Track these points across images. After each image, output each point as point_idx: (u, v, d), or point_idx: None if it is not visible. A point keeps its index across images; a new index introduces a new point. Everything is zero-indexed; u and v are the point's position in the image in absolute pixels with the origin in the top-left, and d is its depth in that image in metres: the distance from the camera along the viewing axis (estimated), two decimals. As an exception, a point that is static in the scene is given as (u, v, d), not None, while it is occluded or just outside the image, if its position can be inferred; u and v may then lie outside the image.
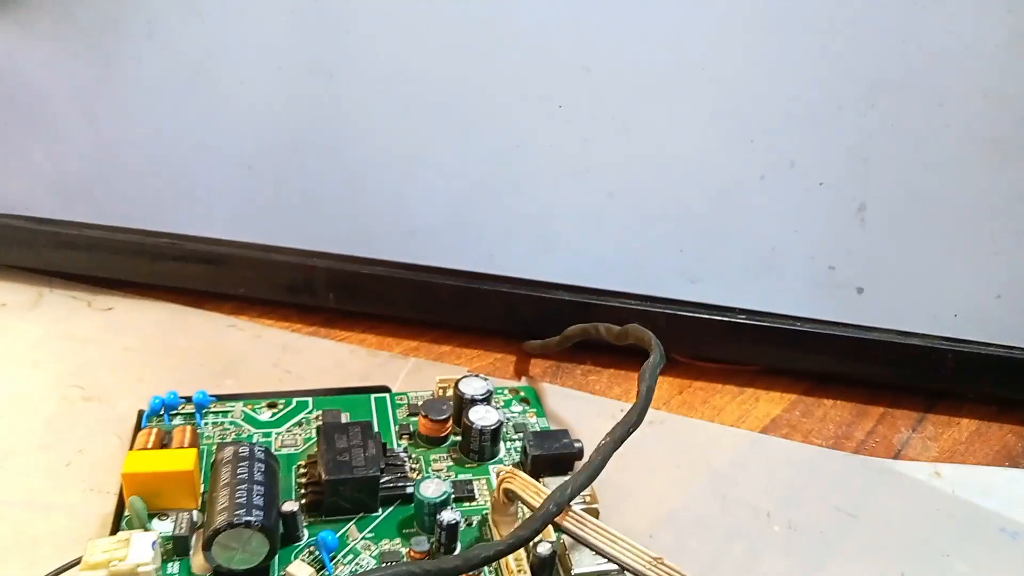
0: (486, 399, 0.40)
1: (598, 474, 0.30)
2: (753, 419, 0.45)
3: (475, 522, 0.35)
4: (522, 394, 0.43)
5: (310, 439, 0.39)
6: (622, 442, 0.32)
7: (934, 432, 0.45)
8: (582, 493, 0.35)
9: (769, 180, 0.45)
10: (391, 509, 0.35)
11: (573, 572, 0.32)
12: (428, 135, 0.47)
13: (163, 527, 0.33)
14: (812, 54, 0.42)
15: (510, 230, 0.48)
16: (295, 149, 0.47)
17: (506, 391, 0.43)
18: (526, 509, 0.32)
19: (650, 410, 0.44)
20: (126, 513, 0.33)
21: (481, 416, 0.38)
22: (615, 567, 0.32)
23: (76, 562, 0.30)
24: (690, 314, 0.47)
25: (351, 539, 0.34)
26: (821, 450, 0.43)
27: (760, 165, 0.45)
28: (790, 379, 0.48)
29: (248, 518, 0.31)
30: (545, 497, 0.29)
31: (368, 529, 0.34)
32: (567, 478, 0.30)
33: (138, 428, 0.38)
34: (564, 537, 0.33)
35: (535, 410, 0.42)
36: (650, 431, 0.43)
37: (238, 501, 0.31)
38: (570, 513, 0.29)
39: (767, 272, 0.47)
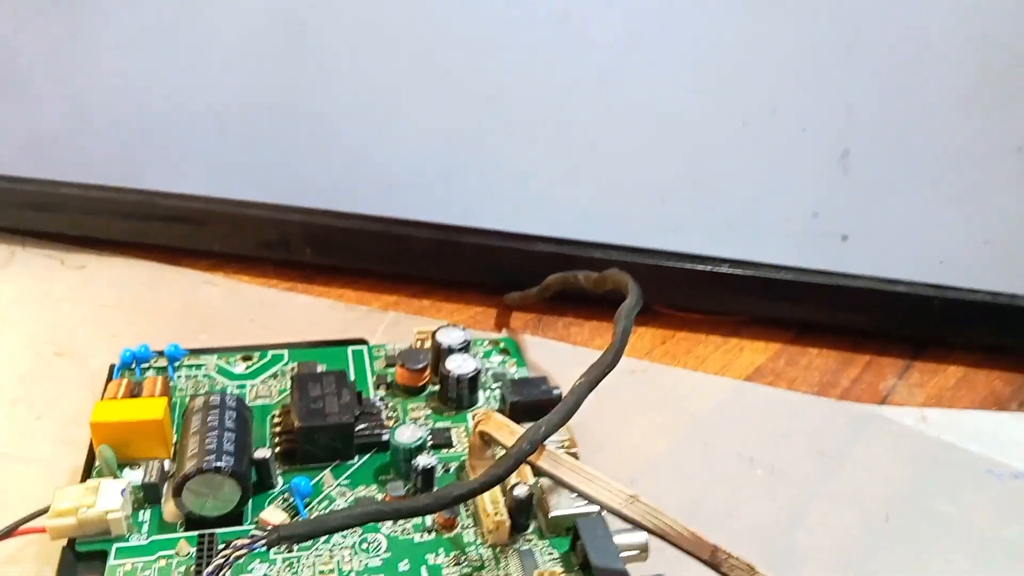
0: (464, 348, 0.39)
1: (572, 413, 0.30)
2: (737, 368, 0.44)
3: (453, 468, 0.35)
4: (502, 345, 0.43)
5: (284, 391, 0.38)
6: (597, 383, 0.31)
7: (920, 379, 0.45)
8: (561, 439, 0.35)
9: (751, 127, 0.44)
10: (367, 457, 0.35)
11: (551, 514, 0.31)
12: (404, 86, 0.46)
13: (133, 476, 0.32)
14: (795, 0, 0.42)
15: (489, 182, 0.47)
16: (268, 102, 0.47)
17: (486, 342, 0.43)
18: (503, 452, 0.31)
19: (632, 360, 0.44)
20: (96, 463, 0.33)
21: (459, 364, 0.38)
22: (593, 509, 0.31)
23: (45, 510, 0.30)
24: (672, 264, 0.46)
25: (326, 486, 0.33)
26: (805, 396, 0.43)
27: (742, 112, 0.44)
28: (775, 328, 0.48)
29: (218, 463, 0.30)
30: (519, 437, 0.29)
31: (344, 476, 0.34)
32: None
33: (109, 381, 0.37)
34: (542, 481, 0.33)
35: (515, 360, 0.42)
36: (631, 380, 0.43)
37: (208, 447, 0.31)
38: (545, 452, 0.29)
39: (750, 221, 0.46)
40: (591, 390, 0.31)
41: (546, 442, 0.29)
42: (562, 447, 0.34)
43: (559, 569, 0.29)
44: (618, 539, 0.30)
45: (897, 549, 0.34)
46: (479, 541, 0.31)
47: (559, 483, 0.29)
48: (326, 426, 0.34)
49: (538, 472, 0.30)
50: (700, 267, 0.46)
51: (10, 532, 0.29)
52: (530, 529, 0.32)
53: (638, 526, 0.28)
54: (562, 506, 0.32)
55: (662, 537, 0.28)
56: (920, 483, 0.37)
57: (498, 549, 0.31)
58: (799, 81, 0.43)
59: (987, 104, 0.42)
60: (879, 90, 0.43)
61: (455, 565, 0.30)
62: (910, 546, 0.34)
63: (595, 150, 0.46)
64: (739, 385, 0.43)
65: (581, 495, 0.28)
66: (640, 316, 0.47)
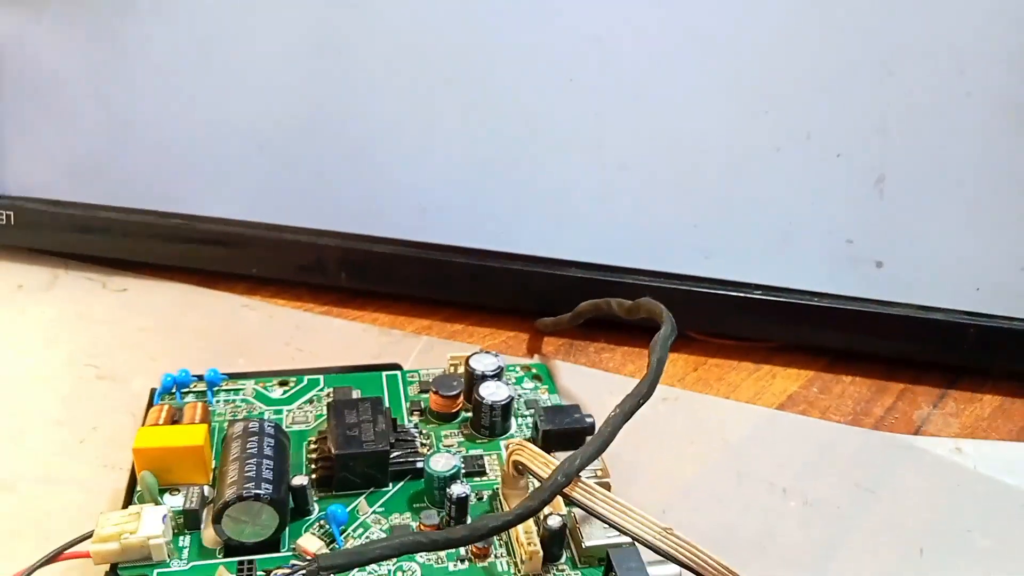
0: (497, 375, 0.39)
1: (607, 445, 0.30)
2: (769, 396, 0.44)
3: (486, 496, 0.35)
4: (534, 371, 0.43)
5: (321, 416, 0.38)
6: (632, 413, 0.31)
7: (956, 408, 0.44)
8: (593, 468, 0.35)
9: (785, 152, 0.44)
10: (401, 484, 0.35)
11: (584, 544, 0.32)
12: (438, 111, 0.46)
13: (174, 502, 0.33)
14: (828, 21, 0.42)
15: (521, 207, 0.48)
16: (305, 127, 0.47)
17: (518, 368, 0.43)
18: (536, 482, 0.31)
19: (664, 387, 0.44)
20: (138, 488, 0.33)
21: (492, 391, 0.38)
22: (626, 539, 0.32)
23: (88, 535, 0.31)
24: (705, 290, 0.46)
25: (361, 513, 0.33)
26: (839, 426, 0.42)
27: (775, 137, 0.44)
28: (808, 355, 0.47)
29: (257, 491, 0.31)
30: (554, 468, 0.29)
31: (378, 504, 0.34)
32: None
33: (150, 405, 0.38)
34: (575, 511, 0.33)
35: (547, 387, 0.42)
36: (664, 408, 0.43)
37: (247, 475, 0.31)
38: (579, 484, 0.29)
39: (783, 246, 0.46)
40: (626, 421, 0.31)
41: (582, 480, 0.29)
42: (594, 476, 0.34)
43: (592, 601, 0.29)
44: (651, 571, 0.30)
45: (934, 583, 0.34)
46: (512, 571, 0.31)
47: (593, 515, 0.29)
48: (362, 453, 0.34)
49: (572, 503, 0.30)
50: (733, 293, 0.46)
51: (55, 556, 0.30)
52: (562, 559, 0.32)
53: (671, 559, 0.28)
54: (595, 536, 0.32)
55: (695, 572, 0.28)
56: (955, 515, 0.37)
57: (531, 579, 0.31)
58: (834, 105, 0.43)
59: (1025, 128, 0.42)
60: (915, 113, 0.43)
61: (489, 595, 0.30)
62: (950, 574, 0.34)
63: (627, 175, 0.46)
64: (772, 414, 0.43)
65: (615, 527, 0.28)
66: (673, 341, 0.47)
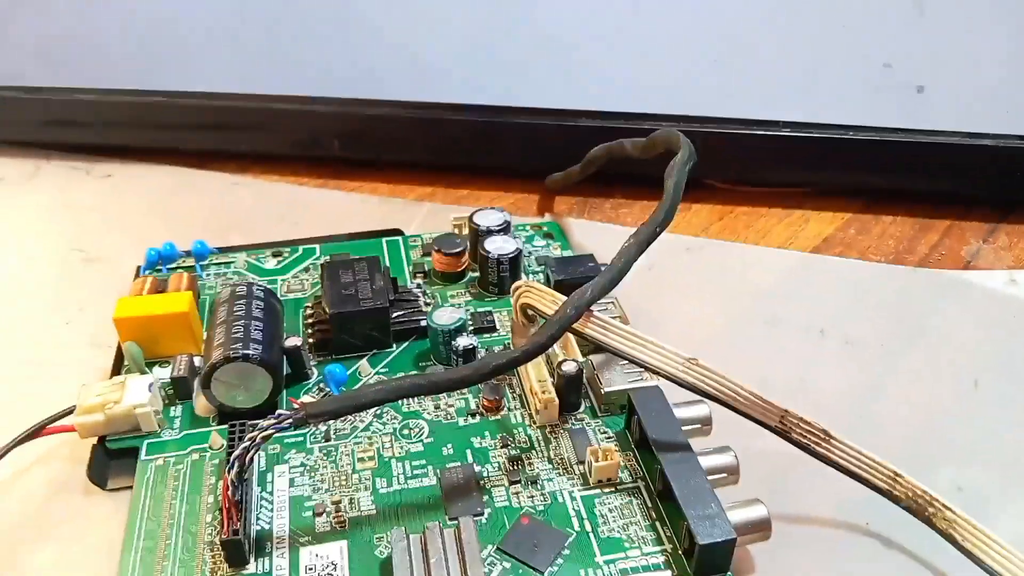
0: (503, 229, 0.36)
1: (621, 277, 0.27)
2: (803, 240, 0.41)
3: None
4: (545, 229, 0.40)
5: (317, 284, 0.36)
6: (649, 244, 0.28)
7: (1008, 241, 0.41)
8: (613, 316, 0.32)
9: (812, -31, 0.40)
10: (406, 344, 0.33)
11: (604, 391, 0.29)
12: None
13: (163, 373, 0.31)
14: None
15: (527, 57, 0.43)
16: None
17: (528, 227, 0.40)
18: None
19: (687, 237, 0.41)
20: (125, 363, 0.31)
21: (498, 246, 0.35)
22: (649, 383, 0.29)
23: (71, 409, 0.29)
24: (727, 131, 0.42)
25: (363, 374, 0.31)
26: (881, 265, 0.39)
27: (801, -48, 0.40)
28: (843, 197, 0.44)
29: (246, 351, 0.28)
30: (563, 303, 0.26)
31: (382, 364, 0.32)
32: (588, 286, 0.27)
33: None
34: (593, 357, 0.30)
35: (559, 243, 0.39)
36: (687, 257, 0.39)
37: (235, 336, 0.29)
38: (592, 318, 0.26)
39: (813, 78, 0.42)
40: (642, 251, 0.28)
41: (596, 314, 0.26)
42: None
43: (613, 446, 0.27)
44: (678, 412, 0.28)
45: (988, 414, 0.31)
46: (527, 423, 0.29)
47: (609, 350, 0.26)
48: (359, 312, 0.31)
49: (584, 341, 0.27)
50: (759, 132, 0.42)
51: (38, 431, 0.28)
52: (581, 409, 0.30)
53: (698, 392, 0.25)
54: (615, 381, 0.29)
55: (725, 403, 0.25)
56: (1012, 347, 0.34)
57: (547, 430, 0.29)
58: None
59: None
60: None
61: (502, 447, 0.28)
62: (1004, 411, 0.31)
63: (638, 12, 0.42)
64: (806, 257, 0.40)
65: (634, 361, 0.25)
66: (694, 191, 0.43)
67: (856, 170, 0.43)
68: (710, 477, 0.25)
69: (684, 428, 0.27)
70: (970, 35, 0.39)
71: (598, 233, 0.41)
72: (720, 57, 0.42)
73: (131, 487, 0.27)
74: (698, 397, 0.26)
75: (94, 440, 0.28)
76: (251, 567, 0.24)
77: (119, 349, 0.32)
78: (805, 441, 0.25)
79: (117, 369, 0.32)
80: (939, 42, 0.40)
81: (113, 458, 0.28)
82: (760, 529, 0.25)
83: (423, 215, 0.43)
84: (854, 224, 0.42)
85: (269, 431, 0.23)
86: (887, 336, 0.34)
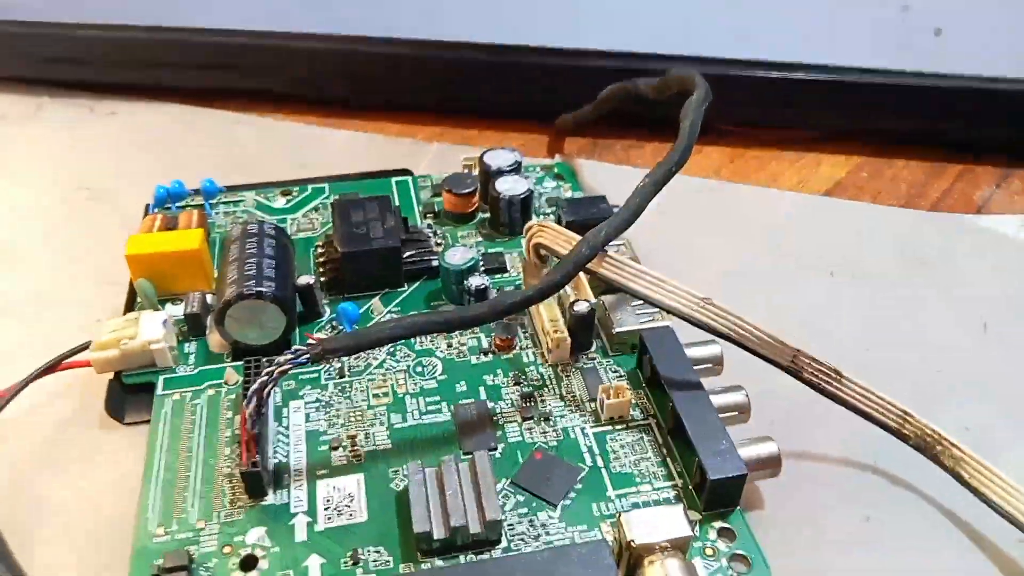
0: (514, 170, 0.36)
1: (636, 216, 0.27)
2: (814, 183, 0.41)
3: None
4: (556, 170, 0.40)
5: (327, 223, 0.36)
6: (663, 183, 0.28)
7: (1021, 186, 0.40)
8: (625, 255, 0.32)
9: (831, -96, 0.39)
10: (417, 284, 0.33)
11: (615, 331, 0.29)
12: None
13: (176, 311, 0.31)
14: None
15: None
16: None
17: (538, 168, 0.40)
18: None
19: (699, 179, 0.41)
20: (138, 300, 0.31)
21: (509, 186, 0.35)
22: (660, 324, 0.29)
23: (86, 345, 0.29)
24: (740, 73, 0.42)
25: (376, 313, 0.31)
26: (892, 209, 0.39)
27: None
28: (856, 141, 0.43)
29: (259, 288, 0.28)
30: (578, 242, 0.26)
31: (393, 304, 0.32)
32: (603, 225, 0.27)
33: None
34: (605, 298, 0.30)
35: (570, 184, 0.39)
36: (699, 198, 0.39)
37: (247, 273, 0.29)
38: (606, 258, 0.26)
39: (828, 19, 0.41)
40: (657, 191, 0.27)
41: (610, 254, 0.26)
42: (625, 264, 0.31)
43: (625, 384, 0.27)
44: (689, 352, 0.28)
45: (997, 355, 0.31)
46: (539, 361, 0.29)
47: (623, 289, 0.26)
48: (371, 250, 0.31)
49: (596, 281, 0.27)
50: (772, 75, 0.42)
51: (54, 366, 0.28)
52: (592, 348, 0.30)
53: (711, 331, 0.25)
54: (627, 322, 0.29)
55: (737, 343, 0.25)
56: (1021, 291, 0.34)
57: (559, 368, 0.29)
58: None
59: None
60: None
61: (514, 385, 0.28)
62: (1012, 352, 0.31)
63: (651, -52, 0.41)
64: (817, 200, 0.40)
65: (648, 301, 0.26)
66: (705, 135, 0.43)
67: (870, 114, 0.42)
68: (721, 415, 0.26)
69: (696, 368, 0.27)
70: (991, -26, 0.39)
71: (609, 174, 0.40)
72: (735, -4, 0.41)
73: (148, 421, 0.27)
74: (709, 337, 0.26)
75: (109, 375, 0.29)
76: (270, 498, 0.24)
77: (131, 286, 0.32)
78: (816, 380, 0.25)
79: (130, 306, 0.32)
80: (959, -18, 0.39)
81: (129, 393, 0.29)
82: (770, 465, 0.25)
83: (432, 155, 0.42)
84: (866, 168, 0.42)
85: (286, 366, 0.23)
86: (897, 279, 0.34)
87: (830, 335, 0.32)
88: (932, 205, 0.39)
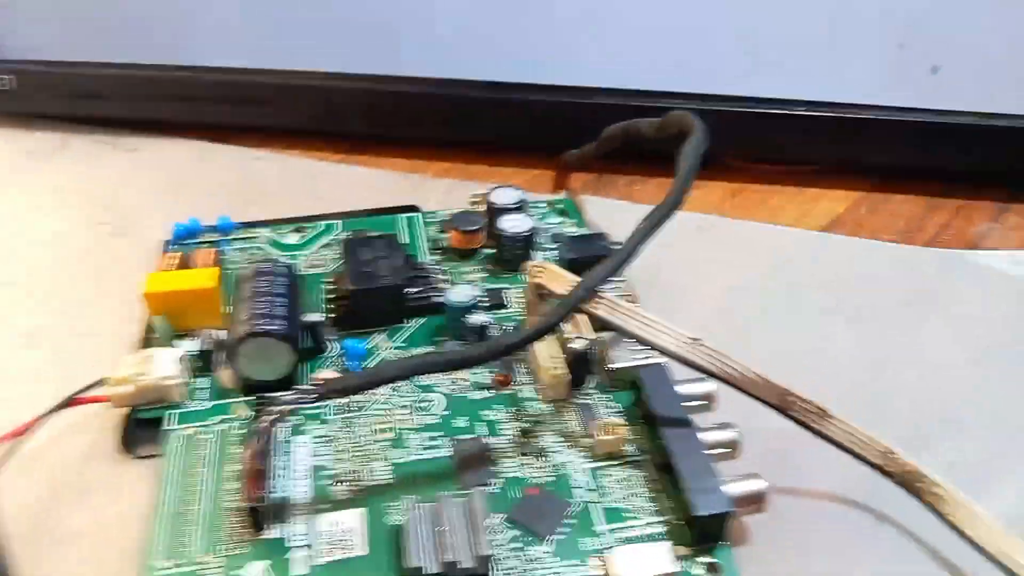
0: (518, 208, 0.37)
1: (632, 258, 0.28)
2: (814, 218, 0.41)
3: (510, 330, 0.33)
4: (560, 206, 0.41)
5: (337, 260, 0.37)
6: (659, 225, 0.29)
7: (1018, 222, 0.41)
8: (622, 295, 0.33)
9: (828, -53, 0.40)
10: (422, 320, 0.34)
11: (610, 367, 0.30)
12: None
13: (189, 346, 0.32)
14: None
15: (541, 32, 0.44)
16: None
17: (543, 204, 0.41)
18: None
19: (699, 215, 0.42)
20: (154, 336, 0.33)
21: (513, 224, 0.36)
22: (655, 361, 0.30)
23: (102, 380, 0.30)
24: (743, 109, 0.43)
25: (381, 349, 0.32)
26: (890, 245, 0.40)
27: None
28: (855, 176, 0.44)
29: (269, 327, 0.30)
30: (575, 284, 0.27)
31: (399, 339, 0.33)
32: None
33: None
34: (602, 335, 0.31)
35: (574, 220, 0.40)
36: (699, 235, 0.40)
37: (259, 312, 0.30)
38: (601, 298, 0.27)
39: (827, 57, 0.42)
40: (652, 233, 0.28)
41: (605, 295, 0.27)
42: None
43: (619, 421, 0.28)
44: (682, 389, 0.29)
45: (992, 392, 0.31)
46: (537, 397, 0.30)
47: (616, 330, 0.27)
48: (378, 288, 0.33)
49: (595, 321, 0.28)
50: (773, 111, 0.43)
51: (72, 400, 0.30)
52: (592, 385, 0.31)
53: (701, 371, 0.26)
54: (622, 358, 0.30)
55: (727, 381, 0.26)
56: (1017, 327, 0.34)
57: (557, 405, 0.30)
58: None
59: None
60: None
61: (513, 421, 0.29)
62: (1008, 387, 0.31)
63: (653, -11, 0.42)
64: (816, 236, 0.40)
65: (639, 341, 0.27)
66: (708, 169, 0.44)
67: (868, 149, 0.43)
68: (712, 452, 0.26)
69: (689, 404, 0.28)
70: (985, 16, 0.39)
71: (612, 210, 0.41)
72: (735, 36, 0.42)
73: (160, 455, 0.28)
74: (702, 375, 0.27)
75: (125, 410, 0.30)
76: (272, 532, 0.25)
77: (147, 322, 0.33)
78: (803, 419, 0.26)
79: (146, 341, 0.33)
80: (954, 22, 0.40)
81: (143, 427, 0.30)
82: (757, 501, 0.26)
83: (440, 191, 0.44)
84: (865, 203, 0.42)
85: (291, 405, 0.25)
86: (894, 314, 0.35)
87: (827, 370, 0.32)
88: (930, 240, 0.40)
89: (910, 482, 0.25)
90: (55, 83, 0.48)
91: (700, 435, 0.27)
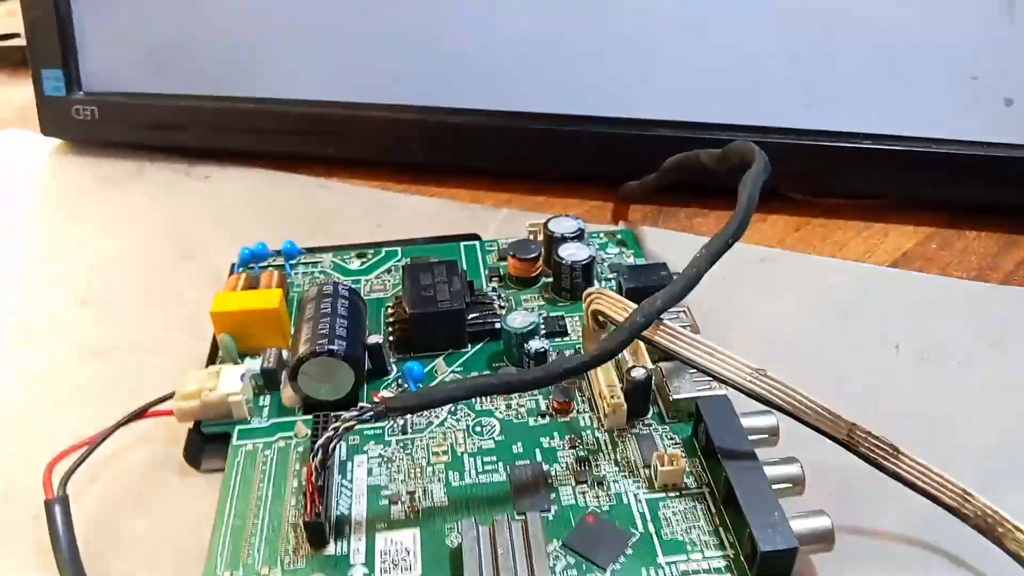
0: (577, 237, 0.37)
1: (692, 287, 0.28)
2: (881, 254, 0.40)
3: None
4: (619, 237, 0.41)
5: (399, 285, 0.37)
6: (720, 255, 0.28)
7: (1099, 260, 0.39)
8: (683, 325, 0.33)
9: (897, -21, 0.39)
10: (480, 345, 0.34)
11: (672, 398, 0.30)
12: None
13: (253, 364, 0.33)
14: None
15: (601, 65, 0.44)
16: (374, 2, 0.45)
17: (602, 235, 0.41)
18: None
19: (762, 248, 0.41)
20: (220, 354, 0.33)
21: (572, 252, 0.36)
22: (718, 392, 0.29)
23: (171, 395, 0.31)
24: (806, 142, 0.42)
25: (439, 372, 0.33)
26: (961, 282, 0.38)
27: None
28: (925, 211, 0.43)
29: (331, 347, 0.30)
30: (633, 311, 0.27)
31: (457, 364, 0.33)
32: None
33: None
34: (663, 364, 0.31)
35: (632, 251, 0.40)
36: (762, 268, 0.40)
37: (321, 332, 0.31)
38: (661, 326, 0.27)
39: (896, 89, 0.41)
40: (713, 262, 0.28)
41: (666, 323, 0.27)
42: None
43: (680, 452, 0.28)
44: (745, 422, 0.28)
45: (1070, 438, 0.30)
46: (595, 426, 0.30)
47: (677, 358, 0.27)
48: (437, 312, 0.33)
49: (654, 348, 0.28)
50: (838, 144, 0.42)
51: (141, 414, 0.30)
52: (649, 415, 0.30)
53: (765, 402, 0.26)
54: (684, 389, 0.30)
55: (792, 415, 0.25)
56: (1098, 370, 0.33)
57: (615, 434, 0.29)
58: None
59: None
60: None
61: (570, 448, 0.29)
62: (1086, 435, 0.30)
63: (714, 21, 0.42)
64: (884, 271, 0.39)
65: (701, 370, 0.26)
66: (771, 203, 0.44)
67: (940, 183, 0.42)
68: (775, 487, 0.26)
69: (751, 437, 0.27)
70: (1063, 47, 0.39)
71: (672, 242, 0.41)
72: (800, 67, 0.42)
73: (223, 469, 0.29)
74: (765, 407, 0.26)
75: (190, 424, 0.31)
76: (330, 548, 0.25)
77: (214, 340, 0.34)
78: (872, 455, 0.25)
79: (212, 359, 0.34)
80: (1030, 54, 0.39)
81: (207, 442, 0.30)
82: (823, 540, 0.25)
83: (500, 220, 0.44)
84: (936, 238, 0.41)
85: (351, 422, 0.25)
86: (964, 353, 0.34)
87: (893, 408, 0.31)
88: (1005, 278, 0.39)
89: (990, 527, 0.24)
90: (134, 114, 0.50)
91: (764, 469, 0.26)
